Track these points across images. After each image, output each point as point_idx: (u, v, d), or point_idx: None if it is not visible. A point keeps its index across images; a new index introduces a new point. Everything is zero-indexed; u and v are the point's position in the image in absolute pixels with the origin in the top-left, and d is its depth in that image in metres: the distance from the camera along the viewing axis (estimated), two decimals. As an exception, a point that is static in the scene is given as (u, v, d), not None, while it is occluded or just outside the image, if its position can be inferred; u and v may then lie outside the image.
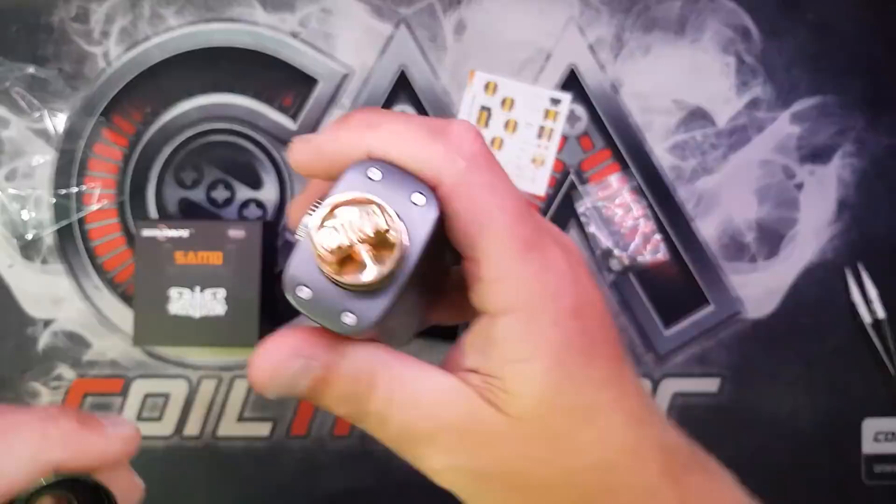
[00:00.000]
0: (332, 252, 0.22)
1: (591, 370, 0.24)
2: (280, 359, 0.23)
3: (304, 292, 0.23)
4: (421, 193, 0.23)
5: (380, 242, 0.22)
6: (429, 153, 0.24)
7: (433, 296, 0.30)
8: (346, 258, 0.22)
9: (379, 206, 0.22)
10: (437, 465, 0.24)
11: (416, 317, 0.31)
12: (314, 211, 0.23)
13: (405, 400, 0.24)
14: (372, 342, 0.25)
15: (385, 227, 0.22)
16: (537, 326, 0.23)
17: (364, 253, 0.22)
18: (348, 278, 0.22)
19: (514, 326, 0.23)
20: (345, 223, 0.22)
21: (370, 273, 0.22)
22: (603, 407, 0.24)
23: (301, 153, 0.25)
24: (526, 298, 0.23)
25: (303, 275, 0.23)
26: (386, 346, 0.25)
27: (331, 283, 0.23)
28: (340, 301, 0.23)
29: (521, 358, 0.23)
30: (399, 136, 0.24)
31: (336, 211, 0.22)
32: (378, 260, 0.22)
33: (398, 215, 0.22)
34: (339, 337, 0.24)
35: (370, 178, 0.23)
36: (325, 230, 0.22)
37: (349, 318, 0.22)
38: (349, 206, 0.22)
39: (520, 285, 0.23)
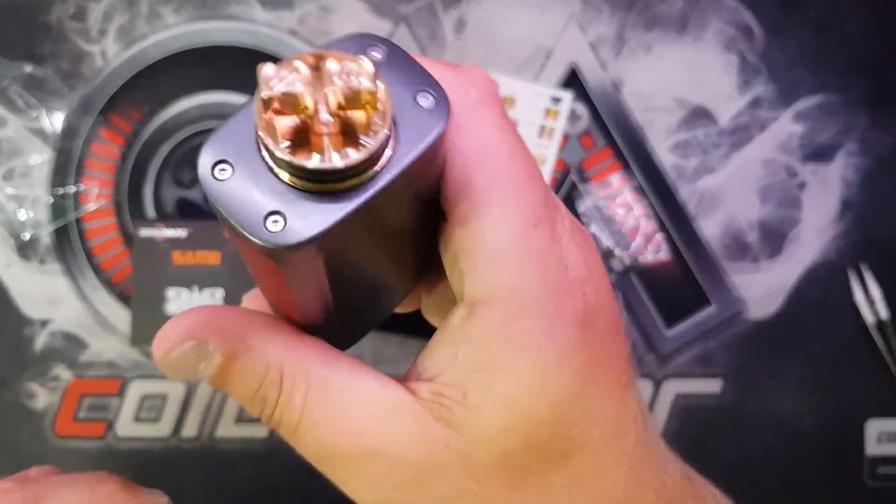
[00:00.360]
0: (281, 101, 0.15)
1: (586, 398, 0.19)
2: (175, 337, 0.19)
3: (225, 171, 0.16)
4: (430, 94, 0.17)
5: (352, 125, 0.16)
6: (436, 73, 0.18)
7: (415, 268, 0.23)
8: (300, 140, 0.16)
9: (370, 74, 0.16)
10: (359, 495, 0.20)
11: (390, 288, 0.23)
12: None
13: (323, 413, 0.19)
14: (292, 333, 0.20)
15: (371, 87, 0.16)
16: (527, 328, 0.18)
17: (327, 128, 0.16)
18: (296, 158, 0.15)
19: (496, 323, 0.18)
20: (312, 71, 0.16)
21: (332, 158, 0.16)
22: (589, 445, 0.19)
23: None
24: (520, 287, 0.18)
25: (229, 149, 0.16)
26: (309, 340, 0.20)
27: (266, 166, 0.16)
28: (272, 196, 0.16)
29: (494, 367, 0.18)
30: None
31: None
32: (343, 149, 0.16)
33: (394, 117, 0.16)
34: (252, 320, 0.20)
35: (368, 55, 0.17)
36: (281, 72, 0.16)
37: (275, 224, 0.16)
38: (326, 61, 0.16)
39: (515, 267, 0.18)
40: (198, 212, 0.57)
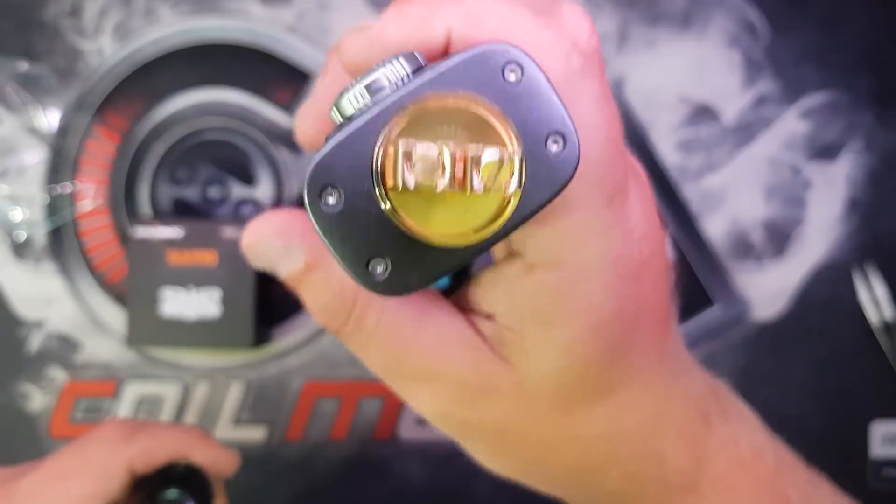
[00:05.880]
0: (420, 167, 0.14)
1: (631, 342, 0.20)
2: (265, 234, 0.21)
3: (333, 201, 0.16)
4: (561, 139, 0.16)
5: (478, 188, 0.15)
6: (534, 38, 0.17)
7: None
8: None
9: (515, 187, 0.15)
10: (423, 409, 0.22)
11: None
12: (406, 76, 0.16)
13: (394, 337, 0.20)
14: None
15: (511, 192, 0.15)
16: (584, 290, 0.19)
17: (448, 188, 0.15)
18: (423, 228, 0.15)
19: (555, 284, 0.19)
20: (451, 139, 0.15)
21: (444, 236, 0.15)
22: (631, 379, 0.21)
23: (355, 48, 0.19)
24: (583, 257, 0.19)
25: (340, 172, 0.16)
26: None
27: (378, 208, 0.15)
28: (379, 237, 0.16)
29: (552, 320, 0.19)
30: (492, 10, 0.17)
31: (433, 108, 0.15)
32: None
33: (522, 162, 0.15)
34: None
35: (506, 81, 0.16)
36: (421, 129, 0.15)
37: (378, 267, 0.16)
38: (459, 112, 0.15)
39: (583, 240, 0.19)
40: (194, 211, 0.57)
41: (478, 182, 0.15)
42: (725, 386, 0.25)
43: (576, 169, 0.17)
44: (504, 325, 0.20)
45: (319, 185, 0.16)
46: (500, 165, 0.15)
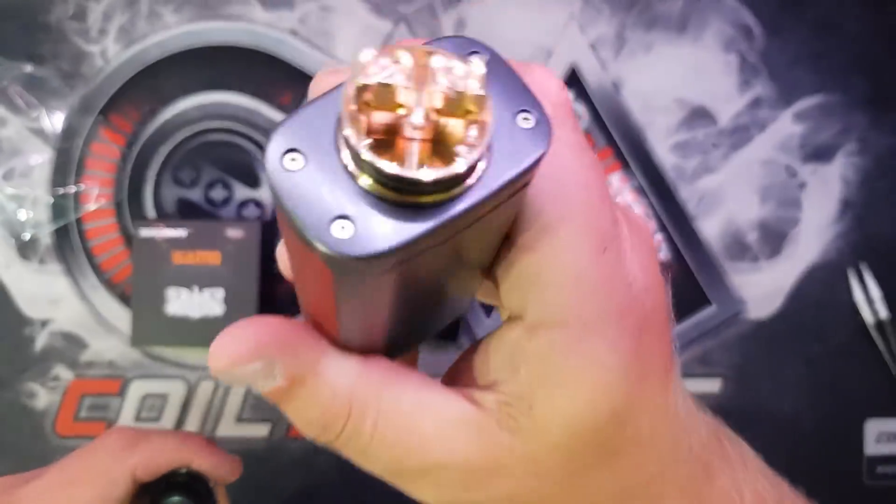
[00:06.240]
0: (376, 93, 0.14)
1: (638, 401, 0.20)
2: (238, 353, 0.18)
3: (295, 161, 0.15)
4: (532, 115, 0.16)
5: (444, 133, 0.14)
6: None
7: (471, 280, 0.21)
8: (384, 142, 0.14)
9: (481, 77, 0.14)
10: (427, 498, 0.21)
11: (449, 307, 0.23)
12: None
13: (394, 436, 0.19)
14: (358, 356, 0.19)
15: (479, 92, 0.14)
16: (590, 348, 0.18)
17: (418, 133, 0.14)
18: (381, 161, 0.14)
19: (561, 344, 0.18)
20: (416, 65, 0.14)
21: (414, 166, 0.14)
22: (639, 439, 0.20)
23: (325, 84, 0.19)
24: (585, 313, 0.18)
25: (304, 136, 0.15)
26: (375, 361, 0.20)
27: (342, 163, 0.15)
28: (344, 198, 0.15)
29: (560, 382, 0.19)
30: None
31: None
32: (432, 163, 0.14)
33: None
34: (321, 342, 0.19)
35: None
36: (380, 60, 0.14)
37: (343, 230, 0.14)
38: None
39: (582, 296, 0.18)
40: (198, 212, 0.57)
41: (440, 76, 0.14)
42: (726, 428, 0.24)
43: (549, 142, 0.16)
44: (509, 393, 0.19)
45: (282, 149, 0.15)
46: (463, 67, 0.15)
